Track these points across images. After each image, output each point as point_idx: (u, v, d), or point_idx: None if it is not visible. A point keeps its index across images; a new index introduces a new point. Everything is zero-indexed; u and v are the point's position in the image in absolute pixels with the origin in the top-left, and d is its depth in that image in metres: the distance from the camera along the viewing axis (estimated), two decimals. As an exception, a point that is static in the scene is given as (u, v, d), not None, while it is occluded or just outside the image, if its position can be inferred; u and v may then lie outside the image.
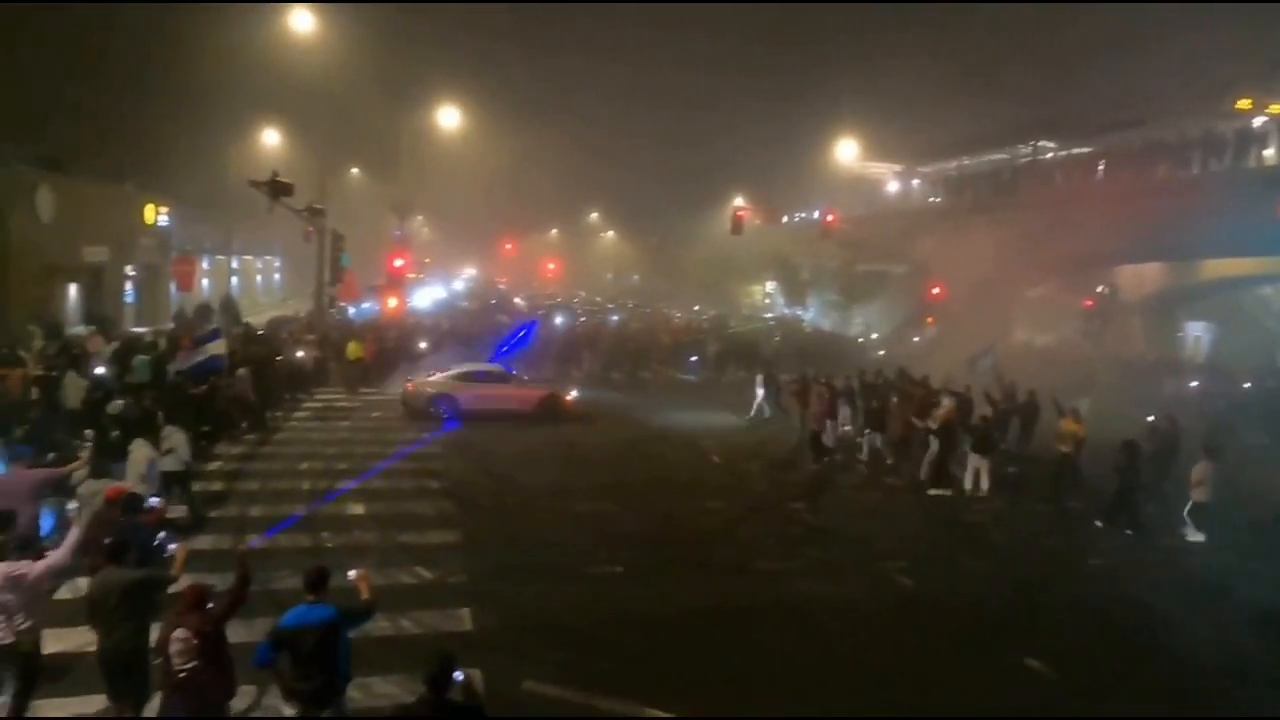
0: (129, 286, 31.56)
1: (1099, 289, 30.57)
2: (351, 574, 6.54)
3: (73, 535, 7.14)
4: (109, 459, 10.18)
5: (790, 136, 49.20)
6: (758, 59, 64.30)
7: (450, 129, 41.90)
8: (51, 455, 10.77)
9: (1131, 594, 11.14)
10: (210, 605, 6.08)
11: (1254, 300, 38.84)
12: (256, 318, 33.99)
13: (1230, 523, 13.46)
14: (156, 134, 33.35)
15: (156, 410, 12.62)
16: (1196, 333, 40.16)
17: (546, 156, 60.44)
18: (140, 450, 10.47)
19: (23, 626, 6.43)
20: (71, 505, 8.49)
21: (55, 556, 6.80)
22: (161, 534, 8.25)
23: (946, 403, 16.34)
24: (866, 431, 17.53)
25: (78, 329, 24.70)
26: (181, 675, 5.76)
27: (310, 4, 28.94)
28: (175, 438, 11.47)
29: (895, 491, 15.71)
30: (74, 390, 14.21)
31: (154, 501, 8.68)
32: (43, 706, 6.85)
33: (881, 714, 7.97)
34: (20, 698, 6.53)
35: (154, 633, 6.24)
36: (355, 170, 53.01)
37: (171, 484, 11.06)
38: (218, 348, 15.60)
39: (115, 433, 11.85)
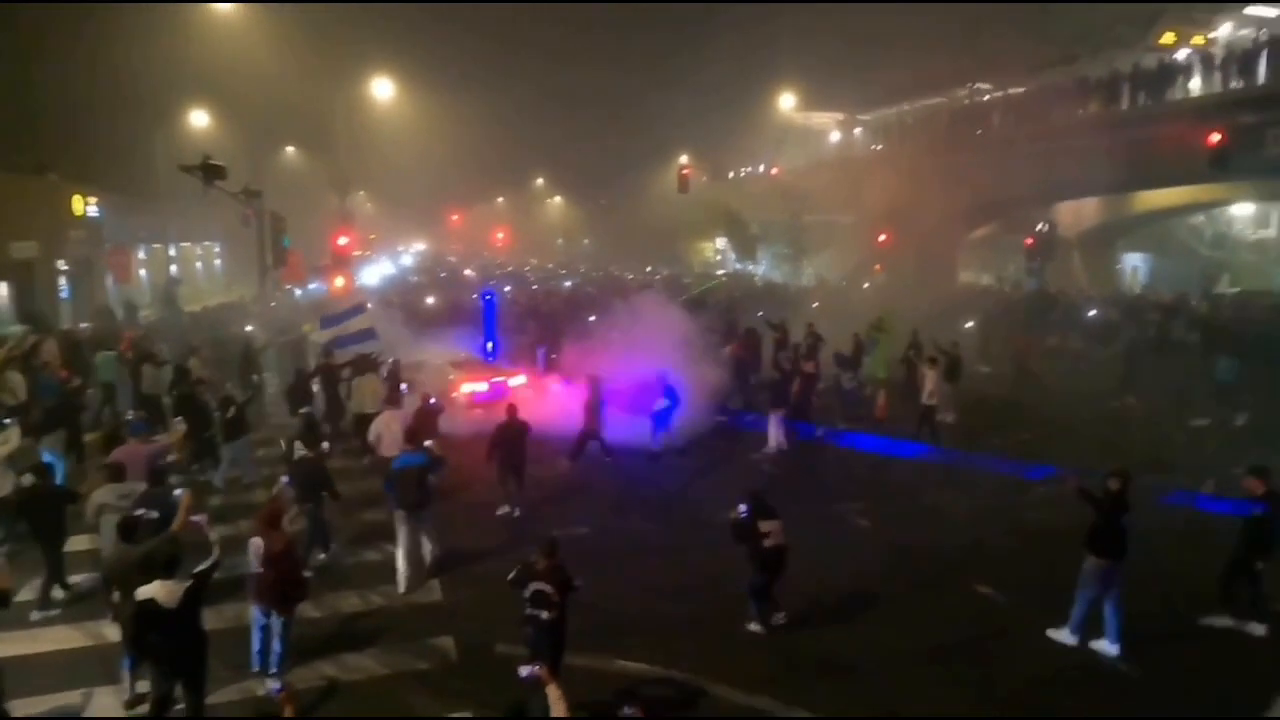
0: (63, 282, 30.58)
1: (1039, 227, 31.22)
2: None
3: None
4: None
5: (732, 91, 48.95)
6: (694, 14, 63.62)
7: (385, 100, 40.96)
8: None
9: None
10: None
11: (1186, 230, 40.09)
12: (198, 304, 33.24)
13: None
14: (80, 123, 32.06)
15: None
16: (1134, 263, 41.40)
17: (487, 123, 59.50)
18: None
19: None
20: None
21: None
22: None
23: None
24: None
25: (13, 328, 23.95)
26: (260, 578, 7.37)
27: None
28: None
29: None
30: (150, 378, 15.52)
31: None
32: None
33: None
34: None
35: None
36: (290, 149, 51.67)
37: None
38: (364, 321, 16.07)
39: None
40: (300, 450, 10.29)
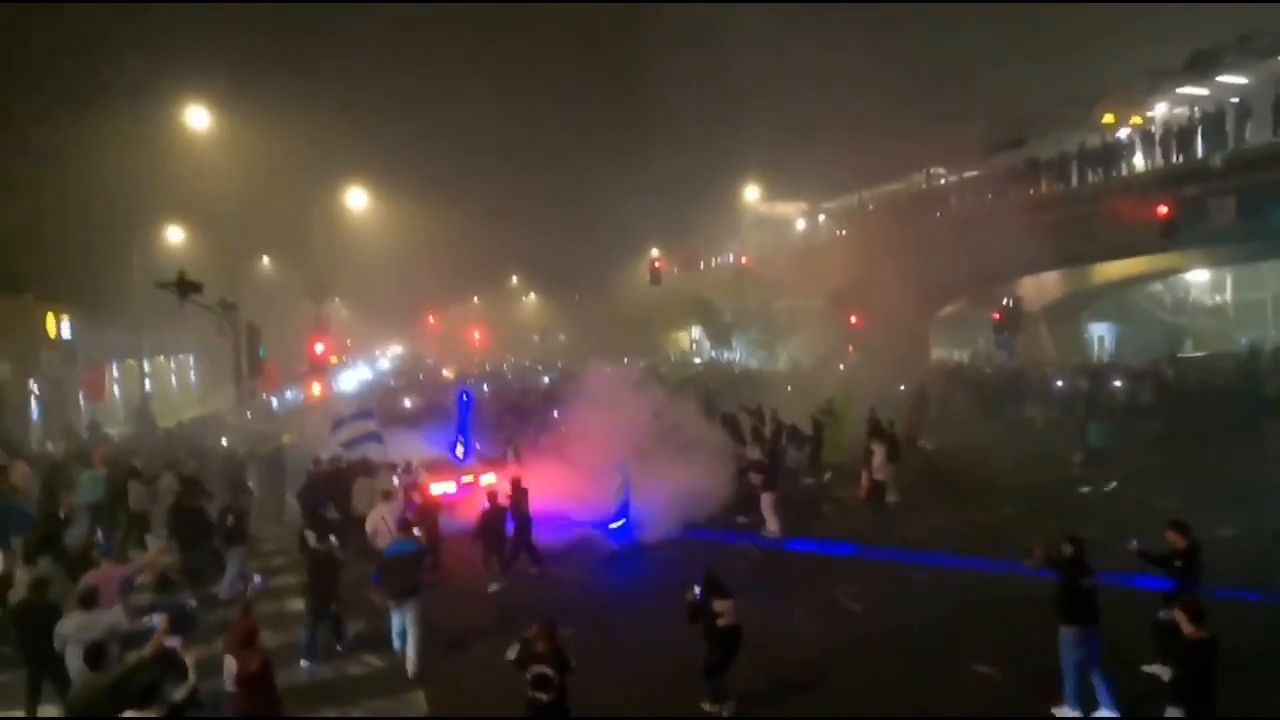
0: (33, 402, 30.23)
1: (1004, 301, 31.98)
2: None
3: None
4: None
5: (698, 184, 50.38)
6: (658, 111, 66.11)
7: (358, 208, 41.72)
8: None
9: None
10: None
11: (1147, 298, 41.23)
12: (173, 419, 32.89)
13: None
14: (53, 240, 32.30)
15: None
16: (1100, 333, 42.35)
17: (459, 225, 60.53)
18: None
19: None
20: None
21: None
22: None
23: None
24: None
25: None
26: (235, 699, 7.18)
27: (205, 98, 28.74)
28: None
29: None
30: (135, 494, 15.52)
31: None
32: None
33: None
34: None
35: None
36: (266, 259, 52.18)
37: None
38: (367, 426, 16.52)
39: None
40: (311, 541, 10.72)
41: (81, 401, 33.31)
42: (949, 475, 18.83)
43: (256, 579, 9.05)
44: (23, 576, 10.64)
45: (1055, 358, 35.11)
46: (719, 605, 8.53)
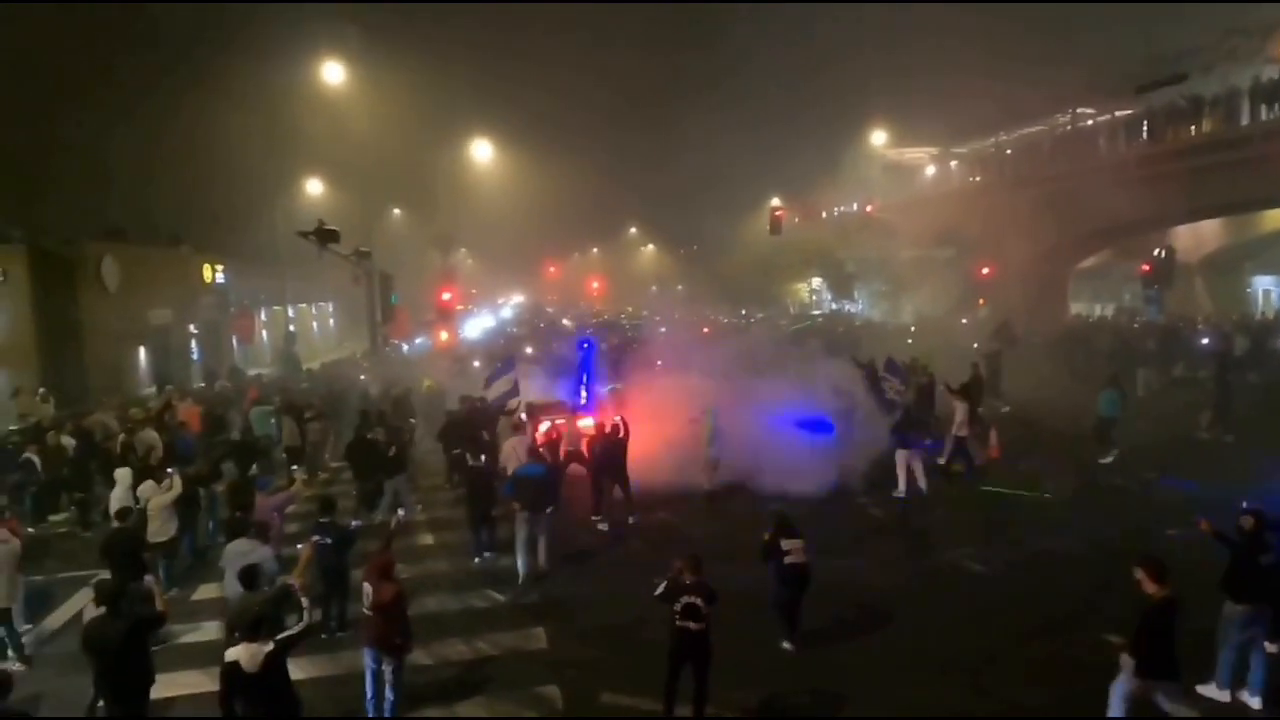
0: (194, 344, 32.77)
1: (1155, 252, 29.62)
2: None
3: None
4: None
5: (823, 130, 48.83)
6: (782, 58, 64.06)
7: (484, 161, 42.66)
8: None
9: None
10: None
11: (1324, 248, 37.35)
12: (312, 361, 34.96)
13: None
14: (206, 195, 34.68)
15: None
16: (1266, 286, 38.74)
17: (580, 177, 61.02)
18: None
19: None
20: None
21: None
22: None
23: None
24: None
25: (150, 389, 25.75)
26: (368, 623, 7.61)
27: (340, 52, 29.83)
28: None
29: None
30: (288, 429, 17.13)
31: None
32: None
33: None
34: None
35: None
36: (397, 211, 54.21)
37: None
38: (512, 379, 17.49)
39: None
40: (470, 460, 12.64)
41: (234, 344, 35.89)
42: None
43: (400, 513, 9.63)
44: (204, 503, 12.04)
45: (1211, 313, 32.43)
46: (787, 544, 8.89)
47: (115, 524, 10.04)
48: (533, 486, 11.21)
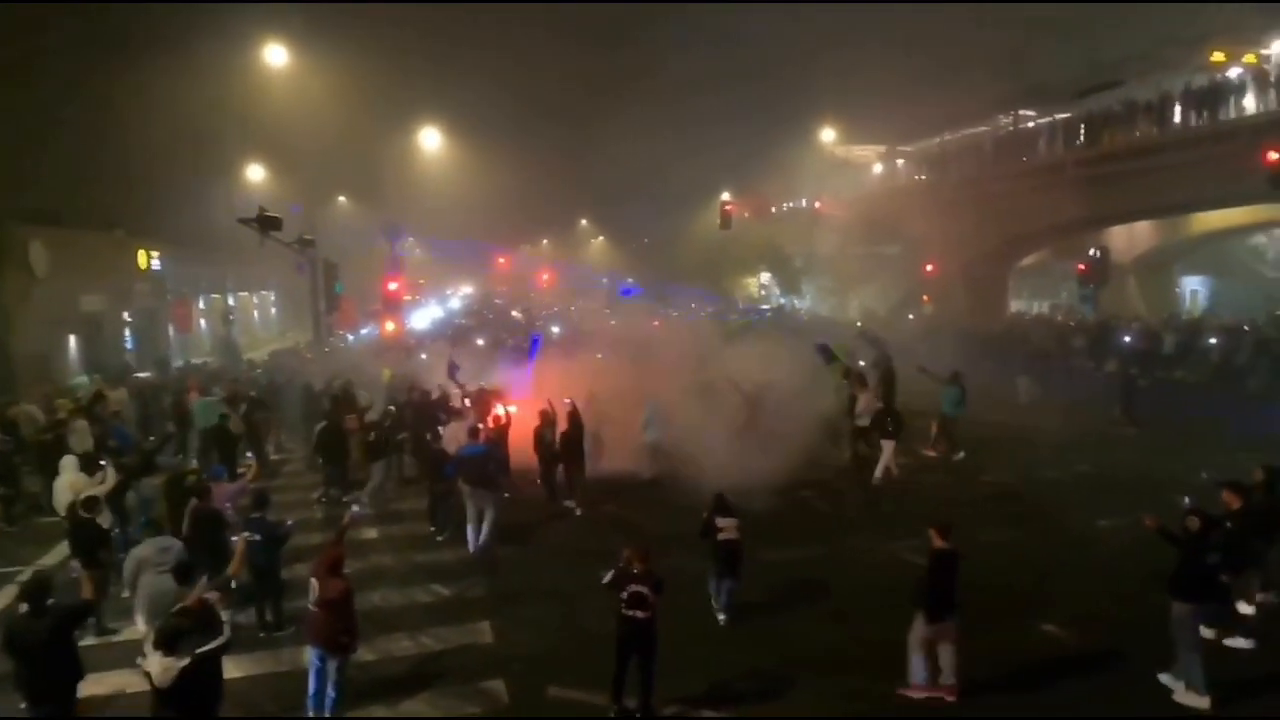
0: (127, 333, 31.72)
1: (1090, 252, 30.56)
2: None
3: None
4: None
5: (772, 127, 49.15)
6: (733, 51, 64.38)
7: (433, 149, 42.02)
8: None
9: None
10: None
11: (1247, 251, 38.94)
12: (256, 352, 34.15)
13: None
14: (143, 179, 33.45)
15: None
16: (1194, 287, 40.29)
17: (530, 167, 60.58)
18: None
19: None
20: None
21: None
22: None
23: None
24: None
25: (80, 379, 24.86)
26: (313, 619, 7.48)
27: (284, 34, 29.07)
28: None
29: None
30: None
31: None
32: None
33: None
34: None
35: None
36: (342, 199, 53.18)
37: None
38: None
39: None
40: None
41: (171, 332, 34.84)
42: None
43: (354, 509, 9.31)
44: (132, 499, 11.42)
45: (1143, 312, 33.59)
46: (722, 522, 9.39)
47: (83, 514, 9.64)
48: (474, 465, 12.03)
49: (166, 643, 6.05)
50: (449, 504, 12.65)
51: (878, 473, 15.14)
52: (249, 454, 14.89)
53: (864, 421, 15.86)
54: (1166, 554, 7.99)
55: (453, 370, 18.87)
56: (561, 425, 14.16)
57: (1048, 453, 17.05)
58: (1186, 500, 8.41)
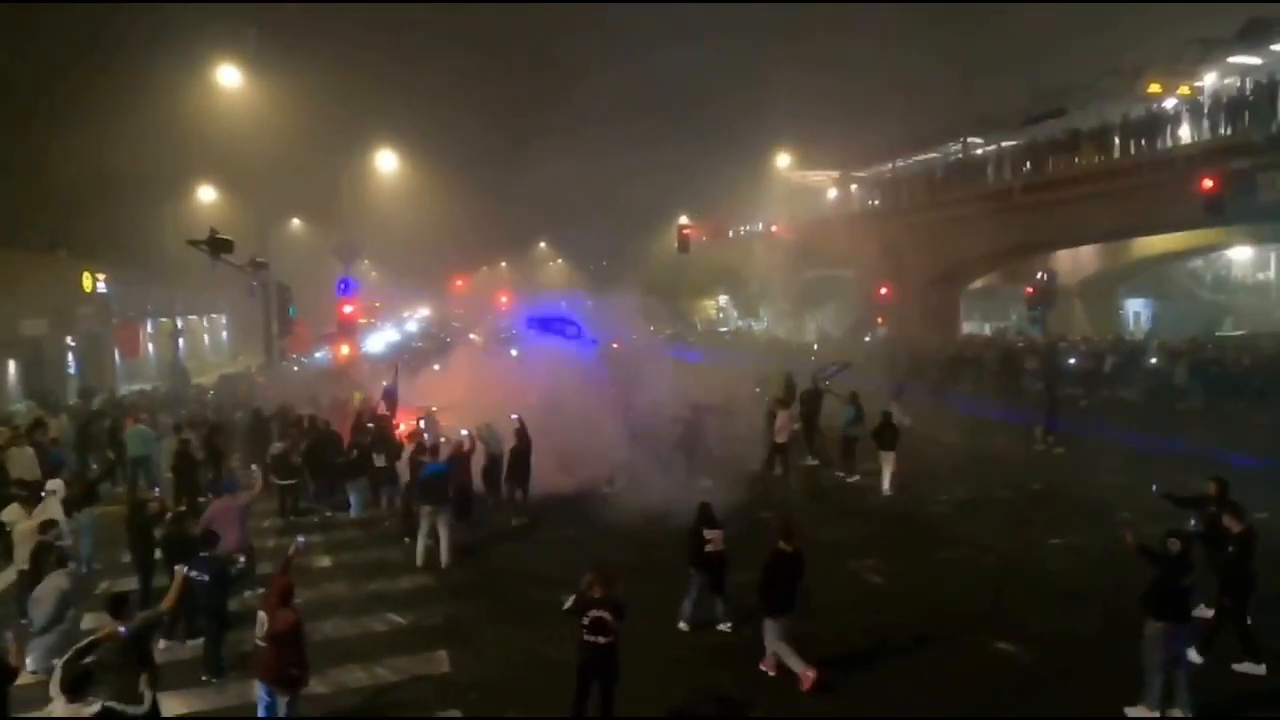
0: (70, 358, 30.84)
1: (1038, 275, 31.42)
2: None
3: None
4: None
5: (729, 153, 49.86)
6: (694, 78, 65.26)
7: (388, 172, 41.79)
8: None
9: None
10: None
11: (1187, 274, 40.37)
12: (206, 377, 33.40)
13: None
14: (88, 199, 32.68)
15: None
16: (1136, 309, 41.59)
17: (487, 189, 60.62)
18: None
19: None
20: None
21: None
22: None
23: None
24: None
25: (18, 406, 24.06)
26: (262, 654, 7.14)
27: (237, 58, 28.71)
28: None
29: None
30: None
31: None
32: None
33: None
34: None
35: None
36: (296, 220, 52.51)
37: None
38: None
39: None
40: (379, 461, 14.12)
41: (117, 357, 33.95)
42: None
43: (300, 539, 8.88)
44: (67, 525, 10.92)
45: (1088, 333, 34.54)
46: (708, 534, 9.57)
47: (41, 538, 9.55)
48: (434, 484, 12.39)
49: (73, 686, 5.66)
50: (412, 519, 12.93)
51: (885, 485, 15.65)
52: (253, 468, 14.44)
53: (781, 439, 16.73)
54: (1118, 570, 8.14)
55: (389, 394, 18.42)
56: (510, 441, 14.34)
57: (999, 471, 17.40)
58: (1127, 515, 8.57)
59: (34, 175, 30.28)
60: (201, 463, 15.31)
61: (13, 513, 10.54)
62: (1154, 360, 25.05)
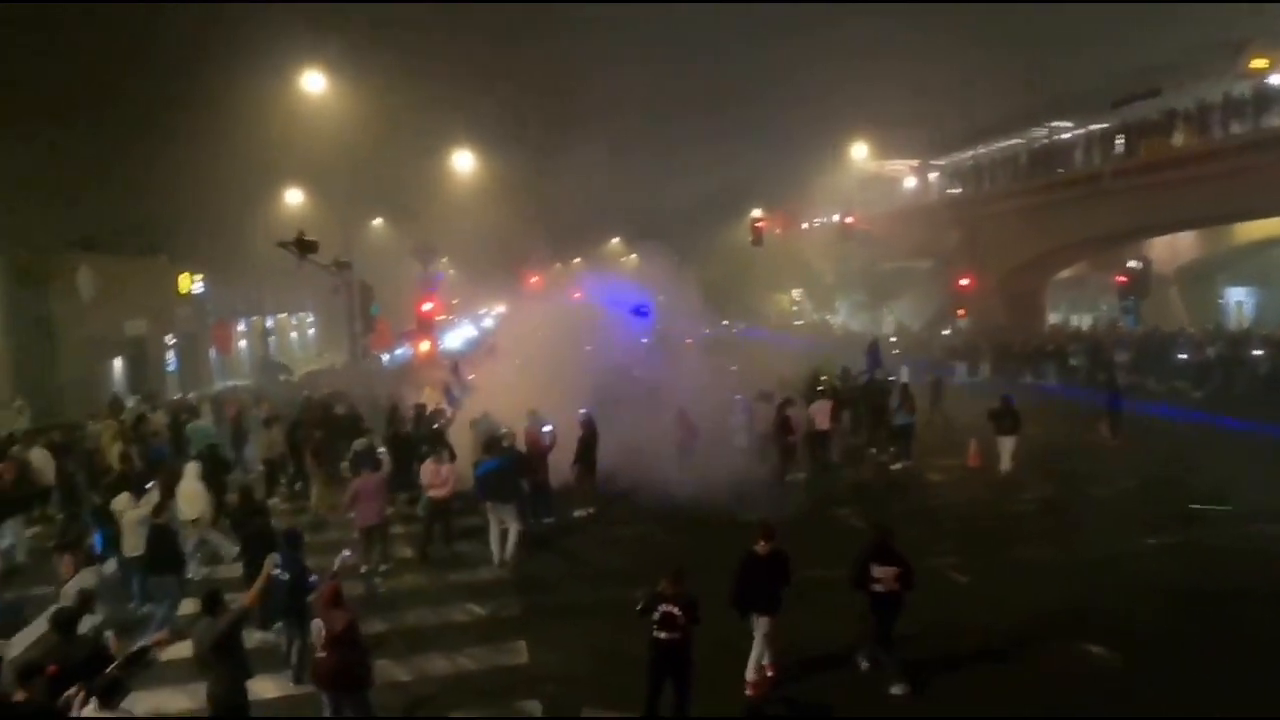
0: (170, 355, 32.41)
1: (1131, 263, 30.01)
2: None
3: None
4: None
5: (804, 143, 49.02)
6: (764, 69, 64.46)
7: (465, 172, 42.58)
8: None
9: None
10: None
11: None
12: (292, 375, 34.63)
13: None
14: (185, 205, 34.28)
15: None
16: (1238, 298, 39.31)
17: (563, 189, 61.09)
18: None
19: None
20: None
21: None
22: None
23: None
24: None
25: (128, 402, 25.38)
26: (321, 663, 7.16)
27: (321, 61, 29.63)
28: None
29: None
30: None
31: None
32: None
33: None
34: None
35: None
36: (378, 221, 53.99)
37: None
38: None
39: None
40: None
41: (212, 354, 35.54)
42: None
43: (346, 552, 8.77)
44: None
45: (1186, 323, 32.87)
46: (878, 571, 8.20)
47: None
48: (497, 480, 12.24)
49: (104, 694, 5.67)
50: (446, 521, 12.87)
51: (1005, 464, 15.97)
52: (382, 449, 15.14)
53: (824, 427, 16.63)
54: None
55: (450, 396, 18.68)
56: (577, 431, 14.36)
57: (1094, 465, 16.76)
58: None
59: (135, 185, 31.94)
60: (231, 465, 16.11)
61: (122, 501, 11.12)
62: (1257, 352, 23.65)
